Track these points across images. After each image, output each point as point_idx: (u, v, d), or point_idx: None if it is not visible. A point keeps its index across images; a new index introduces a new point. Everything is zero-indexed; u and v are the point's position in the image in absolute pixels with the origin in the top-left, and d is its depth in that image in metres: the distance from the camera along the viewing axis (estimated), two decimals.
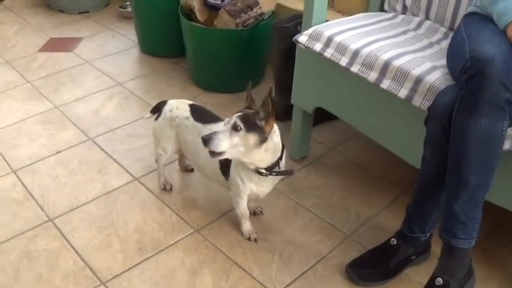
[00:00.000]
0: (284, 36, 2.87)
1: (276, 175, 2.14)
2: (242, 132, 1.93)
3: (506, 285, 2.15)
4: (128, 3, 4.55)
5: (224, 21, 3.32)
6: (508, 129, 1.74)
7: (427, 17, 2.58)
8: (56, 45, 4.20)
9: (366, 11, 2.86)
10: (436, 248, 2.06)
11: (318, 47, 2.35)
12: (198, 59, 3.53)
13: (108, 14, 4.84)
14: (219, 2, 3.36)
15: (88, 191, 2.61)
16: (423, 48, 2.28)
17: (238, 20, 3.28)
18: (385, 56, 2.13)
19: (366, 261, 2.17)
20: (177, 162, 2.75)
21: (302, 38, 2.42)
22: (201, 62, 3.53)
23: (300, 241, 2.34)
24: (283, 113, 2.81)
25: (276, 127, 2.04)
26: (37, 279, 2.13)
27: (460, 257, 1.92)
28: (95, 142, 2.99)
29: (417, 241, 2.13)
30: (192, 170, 2.68)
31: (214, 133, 1.94)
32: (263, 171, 2.08)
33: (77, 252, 2.26)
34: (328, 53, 2.31)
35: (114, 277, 2.15)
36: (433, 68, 2.04)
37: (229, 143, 1.93)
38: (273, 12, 3.44)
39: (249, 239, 2.33)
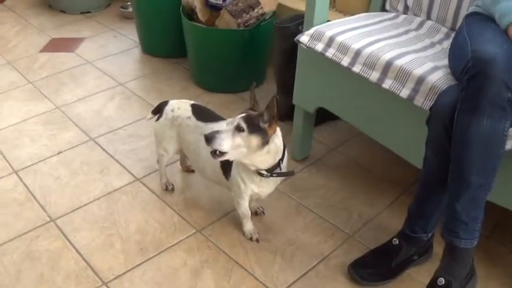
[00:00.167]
0: (285, 36, 2.87)
1: (277, 176, 2.14)
2: (245, 134, 1.93)
3: (507, 285, 2.15)
4: (129, 3, 4.55)
5: (226, 21, 3.32)
6: (510, 129, 1.73)
7: (428, 17, 2.58)
8: (57, 45, 4.21)
9: (367, 11, 2.86)
10: (438, 248, 2.06)
11: (319, 47, 2.35)
12: (200, 59, 3.53)
13: (109, 14, 4.84)
14: (221, 2, 3.36)
15: (90, 191, 2.61)
16: (425, 48, 2.28)
17: (239, 20, 3.28)
18: (386, 56, 2.13)
19: (368, 261, 2.17)
20: (178, 162, 2.75)
21: (304, 38, 2.42)
22: (202, 62, 3.53)
23: (302, 241, 2.34)
24: (284, 113, 2.81)
25: (278, 129, 2.03)
26: (39, 279, 2.13)
27: (462, 257, 1.92)
28: (96, 142, 2.99)
29: (419, 241, 2.13)
30: (194, 171, 2.68)
31: (218, 132, 1.93)
32: (264, 172, 2.09)
33: (78, 252, 2.26)
34: (330, 53, 2.31)
35: (115, 277, 2.15)
36: (435, 68, 2.04)
37: (232, 143, 1.92)
38: (275, 12, 3.44)
39: (251, 239, 2.33)
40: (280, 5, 3.50)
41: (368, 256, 2.19)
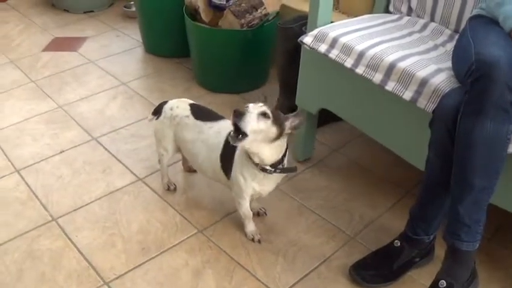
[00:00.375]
0: (289, 37, 2.87)
1: (280, 172, 2.14)
2: (270, 122, 1.95)
3: (509, 287, 2.15)
4: (132, 3, 4.55)
5: (229, 21, 3.32)
6: None
7: (432, 19, 2.57)
8: (60, 44, 4.21)
9: (371, 12, 2.86)
10: (440, 250, 2.06)
11: (323, 48, 2.35)
12: (203, 60, 3.53)
13: (112, 14, 4.84)
14: (224, 3, 3.36)
15: (92, 190, 2.61)
16: (428, 51, 2.27)
17: (243, 21, 3.28)
18: (390, 58, 2.12)
19: (370, 263, 2.17)
20: (180, 162, 2.75)
21: (307, 39, 2.41)
22: (205, 62, 3.53)
23: (303, 242, 2.34)
24: (287, 114, 2.81)
25: None
26: (40, 278, 2.13)
27: (464, 259, 1.92)
28: (98, 142, 2.99)
29: (421, 243, 2.13)
30: (196, 171, 2.68)
31: (246, 112, 1.94)
32: (268, 168, 2.09)
33: (80, 252, 2.26)
34: (333, 54, 2.31)
35: (117, 277, 2.15)
36: (438, 71, 2.03)
37: (256, 127, 1.93)
38: (278, 13, 3.43)
39: (253, 240, 2.33)
40: (283, 6, 3.49)
41: (370, 258, 2.19)
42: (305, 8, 2.94)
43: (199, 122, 2.34)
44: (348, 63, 2.25)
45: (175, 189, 2.62)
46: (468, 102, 1.71)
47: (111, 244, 2.31)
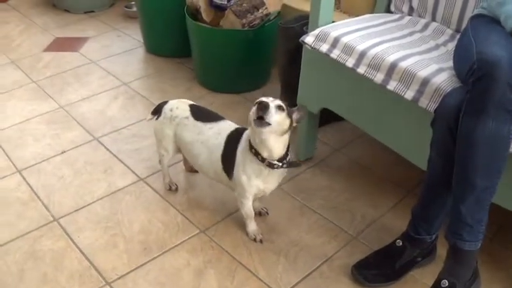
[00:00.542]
0: (290, 36, 2.87)
1: (286, 167, 2.15)
2: (284, 114, 1.98)
3: None
4: (133, 3, 4.54)
5: (230, 21, 3.32)
6: None
7: (433, 19, 2.57)
8: (61, 45, 4.21)
9: (372, 12, 2.86)
10: (442, 250, 2.06)
11: (324, 47, 2.35)
12: (204, 60, 3.53)
13: (113, 14, 4.84)
14: (225, 3, 3.36)
15: (93, 191, 2.61)
16: (429, 50, 2.27)
17: (244, 21, 3.28)
18: (391, 58, 2.12)
19: (372, 263, 2.17)
20: (182, 162, 2.75)
21: (308, 39, 2.41)
22: (206, 62, 3.53)
23: (305, 242, 2.34)
24: None
25: None
26: (42, 279, 2.13)
27: (466, 259, 1.92)
28: (100, 142, 2.99)
29: (423, 243, 2.13)
30: (197, 171, 2.68)
31: (270, 104, 1.95)
32: (275, 162, 2.09)
33: (82, 252, 2.26)
34: (335, 54, 2.31)
35: (119, 277, 2.15)
36: (440, 70, 2.03)
37: (278, 118, 1.96)
38: (279, 13, 3.43)
39: (255, 239, 2.33)
40: (284, 6, 3.50)
41: (371, 257, 2.19)
42: (306, 7, 2.94)
43: (199, 123, 2.34)
44: (350, 63, 2.25)
45: (176, 189, 2.62)
46: (470, 102, 1.71)
47: (113, 244, 2.31)
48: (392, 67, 2.10)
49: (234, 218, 2.46)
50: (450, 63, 2.08)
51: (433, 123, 1.89)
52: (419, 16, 2.63)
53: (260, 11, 3.34)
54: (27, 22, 4.65)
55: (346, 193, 2.63)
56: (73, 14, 4.82)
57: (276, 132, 2.00)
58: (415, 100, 2.01)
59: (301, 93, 2.63)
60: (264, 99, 1.98)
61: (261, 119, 1.92)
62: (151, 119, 2.49)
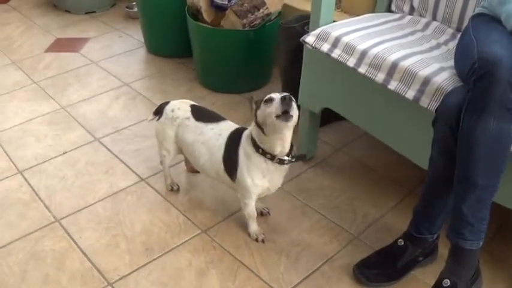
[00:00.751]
0: (291, 36, 2.87)
1: (295, 161, 2.16)
2: (295, 106, 1.97)
3: None
4: (134, 3, 4.55)
5: (231, 21, 3.32)
6: None
7: (434, 18, 2.57)
8: (62, 45, 4.21)
9: (372, 11, 2.86)
10: (443, 249, 2.06)
11: (325, 47, 2.35)
12: (205, 60, 3.53)
13: (114, 14, 4.85)
14: (226, 3, 3.36)
15: (95, 191, 2.61)
16: (430, 49, 2.27)
17: (245, 21, 3.28)
18: (392, 57, 2.12)
19: (373, 262, 2.17)
20: (183, 163, 2.75)
21: (309, 39, 2.41)
22: (207, 62, 3.53)
23: (307, 242, 2.34)
24: None
25: None
26: (44, 280, 2.13)
27: (467, 258, 1.92)
28: (101, 143, 2.99)
29: (425, 242, 2.13)
30: (199, 171, 2.68)
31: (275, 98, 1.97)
32: (285, 158, 2.11)
33: (84, 252, 2.26)
34: (336, 53, 2.31)
35: (121, 278, 2.15)
36: (441, 69, 2.03)
37: (297, 110, 1.97)
38: (280, 13, 3.43)
39: (257, 239, 2.33)
40: (285, 5, 3.49)
41: (373, 257, 2.19)
42: (307, 7, 2.94)
43: (200, 124, 2.34)
44: (351, 62, 2.25)
45: (178, 189, 2.62)
46: (471, 101, 1.71)
47: (114, 245, 2.31)
48: (393, 67, 2.10)
49: (235, 218, 2.46)
50: (451, 63, 2.08)
51: (434, 123, 1.89)
52: (420, 15, 2.62)
53: (261, 10, 3.34)
54: (28, 23, 4.66)
55: (348, 193, 2.63)
56: (74, 14, 4.83)
57: (294, 125, 2.01)
58: (416, 99, 2.01)
59: (302, 93, 2.63)
60: (273, 95, 1.99)
61: (287, 113, 1.93)
62: (152, 119, 2.49)
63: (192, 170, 2.72)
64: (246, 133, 2.19)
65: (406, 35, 2.40)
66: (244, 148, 2.16)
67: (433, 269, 2.11)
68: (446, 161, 1.86)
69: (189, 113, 2.38)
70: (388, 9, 2.78)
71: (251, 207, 2.26)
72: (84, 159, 2.85)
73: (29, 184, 2.65)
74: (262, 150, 2.09)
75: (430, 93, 1.97)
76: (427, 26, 2.52)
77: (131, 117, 3.24)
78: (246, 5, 3.32)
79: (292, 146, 2.14)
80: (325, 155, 2.91)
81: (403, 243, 2.14)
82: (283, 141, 2.07)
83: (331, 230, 2.40)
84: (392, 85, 2.09)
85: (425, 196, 2.06)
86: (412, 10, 2.66)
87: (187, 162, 2.71)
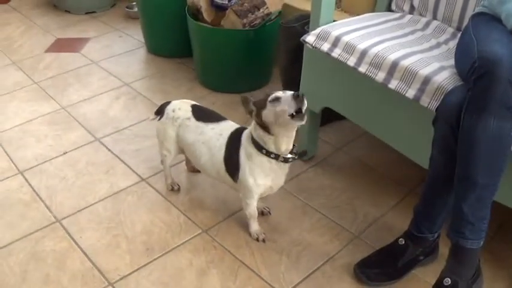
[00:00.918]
0: (291, 36, 2.87)
1: (298, 158, 2.18)
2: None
3: None
4: (134, 3, 4.55)
5: (231, 21, 3.32)
6: None
7: (434, 17, 2.57)
8: (62, 45, 4.21)
9: (373, 11, 2.86)
10: (444, 248, 2.05)
11: (325, 47, 2.35)
12: (205, 59, 3.53)
13: (114, 15, 4.85)
14: (226, 2, 3.36)
15: (95, 191, 2.61)
16: (431, 49, 2.27)
17: (245, 20, 3.28)
18: (393, 56, 2.12)
19: (374, 261, 2.17)
20: (184, 162, 2.75)
21: (310, 38, 2.41)
22: (208, 62, 3.53)
23: (307, 241, 2.34)
24: None
25: None
26: (45, 280, 2.13)
27: (468, 257, 1.92)
28: (101, 143, 2.99)
29: (425, 241, 2.13)
30: (199, 171, 2.68)
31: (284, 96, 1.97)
32: (289, 156, 2.10)
33: (84, 253, 2.26)
34: (336, 53, 2.31)
35: (121, 278, 2.15)
36: (441, 68, 2.03)
37: None
38: (280, 12, 3.43)
39: (257, 239, 2.33)
40: (285, 5, 3.49)
41: (374, 256, 2.19)
42: (307, 7, 2.94)
43: (200, 124, 2.34)
44: (351, 61, 2.25)
45: (179, 189, 2.62)
46: (471, 100, 1.71)
47: (115, 245, 2.31)
48: (394, 66, 2.10)
49: (236, 217, 2.46)
50: (451, 62, 2.08)
51: (434, 122, 1.89)
52: (420, 15, 2.63)
53: (261, 10, 3.34)
54: (28, 23, 4.66)
55: (348, 192, 2.63)
56: (74, 14, 4.83)
57: None
58: (417, 99, 2.01)
59: (303, 92, 2.62)
60: (279, 93, 1.99)
61: (300, 112, 1.93)
62: (153, 119, 2.49)
63: (193, 170, 2.72)
64: (245, 133, 2.19)
65: (406, 34, 2.40)
66: (246, 149, 2.15)
67: (434, 268, 2.10)
68: (447, 160, 1.86)
69: (189, 113, 2.38)
70: (388, 9, 2.78)
71: (253, 207, 2.26)
72: (85, 159, 2.85)
73: (30, 184, 2.65)
74: (266, 150, 2.09)
75: (430, 92, 1.97)
76: (427, 25, 2.52)
77: (131, 117, 3.24)
78: (246, 4, 3.32)
79: (294, 143, 2.14)
80: (325, 154, 2.91)
81: (403, 242, 2.14)
82: (289, 139, 2.07)
83: (331, 230, 2.40)
84: (393, 84, 2.09)
85: (426, 195, 2.06)
86: (412, 9, 2.66)
87: (187, 162, 2.71)
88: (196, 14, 3.51)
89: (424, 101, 1.99)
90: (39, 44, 4.23)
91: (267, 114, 2.00)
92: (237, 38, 3.34)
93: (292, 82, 2.81)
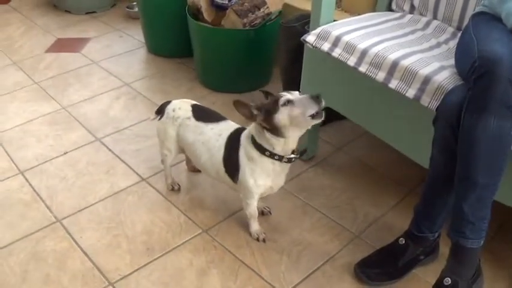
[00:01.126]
0: (291, 36, 2.87)
1: (299, 157, 2.17)
2: None
3: None
4: (134, 3, 4.55)
5: (231, 21, 3.32)
6: None
7: (434, 17, 2.57)
8: (63, 45, 4.21)
9: (373, 10, 2.86)
10: (445, 248, 2.05)
11: (326, 46, 2.35)
12: (206, 59, 3.53)
13: (115, 15, 4.85)
14: (226, 2, 3.36)
15: (96, 191, 2.61)
16: (431, 48, 2.27)
17: (245, 20, 3.28)
18: (393, 56, 2.12)
19: (375, 261, 2.17)
20: (184, 162, 2.75)
21: (310, 38, 2.41)
22: (208, 62, 3.53)
23: (308, 241, 2.34)
24: None
25: None
26: (45, 280, 2.13)
27: (468, 257, 1.91)
28: (102, 143, 2.99)
29: (426, 241, 2.13)
30: (200, 171, 2.67)
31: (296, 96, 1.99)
32: (293, 156, 2.10)
33: (85, 252, 2.26)
34: (336, 52, 2.31)
35: (122, 278, 2.15)
36: (441, 68, 2.03)
37: None
38: (280, 12, 3.43)
39: (258, 239, 2.33)
40: (286, 5, 3.49)
41: (374, 256, 2.19)
42: (307, 6, 2.94)
43: (200, 124, 2.34)
44: (351, 61, 2.25)
45: (179, 189, 2.62)
46: (471, 99, 1.71)
47: (115, 245, 2.31)
48: (394, 65, 2.10)
49: (236, 217, 2.46)
50: (452, 61, 2.08)
51: (434, 121, 1.89)
52: (421, 14, 2.63)
53: (261, 10, 3.34)
54: (29, 23, 4.66)
55: (348, 192, 2.63)
56: (74, 14, 4.83)
57: None
58: (417, 98, 2.01)
59: (303, 92, 2.61)
60: (289, 95, 1.99)
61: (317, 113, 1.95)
62: (154, 118, 2.49)
63: (193, 170, 2.72)
64: (244, 134, 2.18)
65: (406, 34, 2.40)
66: (246, 150, 2.15)
67: (434, 267, 2.10)
68: (447, 160, 1.86)
69: (190, 113, 2.38)
70: (389, 8, 2.78)
71: (253, 207, 2.26)
72: (85, 159, 2.85)
73: (30, 184, 2.65)
74: (270, 152, 2.08)
75: (430, 92, 1.97)
76: (427, 24, 2.52)
77: (132, 117, 3.24)
78: (246, 4, 3.32)
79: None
80: (325, 154, 2.91)
81: (404, 242, 2.14)
82: (297, 140, 2.08)
83: (332, 229, 2.40)
84: (393, 84, 2.09)
85: (426, 195, 2.06)
86: (412, 9, 2.66)
87: (188, 161, 2.71)
88: (197, 14, 3.51)
89: (425, 100, 1.99)
90: (39, 44, 4.23)
91: (281, 118, 1.98)
92: (237, 37, 3.34)
93: (292, 82, 2.81)
